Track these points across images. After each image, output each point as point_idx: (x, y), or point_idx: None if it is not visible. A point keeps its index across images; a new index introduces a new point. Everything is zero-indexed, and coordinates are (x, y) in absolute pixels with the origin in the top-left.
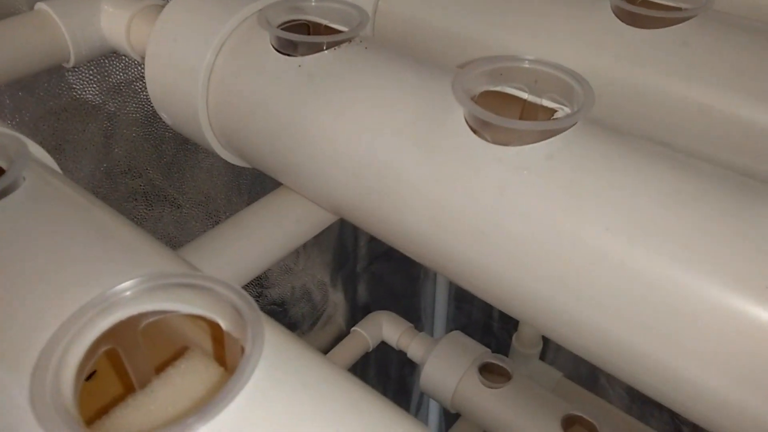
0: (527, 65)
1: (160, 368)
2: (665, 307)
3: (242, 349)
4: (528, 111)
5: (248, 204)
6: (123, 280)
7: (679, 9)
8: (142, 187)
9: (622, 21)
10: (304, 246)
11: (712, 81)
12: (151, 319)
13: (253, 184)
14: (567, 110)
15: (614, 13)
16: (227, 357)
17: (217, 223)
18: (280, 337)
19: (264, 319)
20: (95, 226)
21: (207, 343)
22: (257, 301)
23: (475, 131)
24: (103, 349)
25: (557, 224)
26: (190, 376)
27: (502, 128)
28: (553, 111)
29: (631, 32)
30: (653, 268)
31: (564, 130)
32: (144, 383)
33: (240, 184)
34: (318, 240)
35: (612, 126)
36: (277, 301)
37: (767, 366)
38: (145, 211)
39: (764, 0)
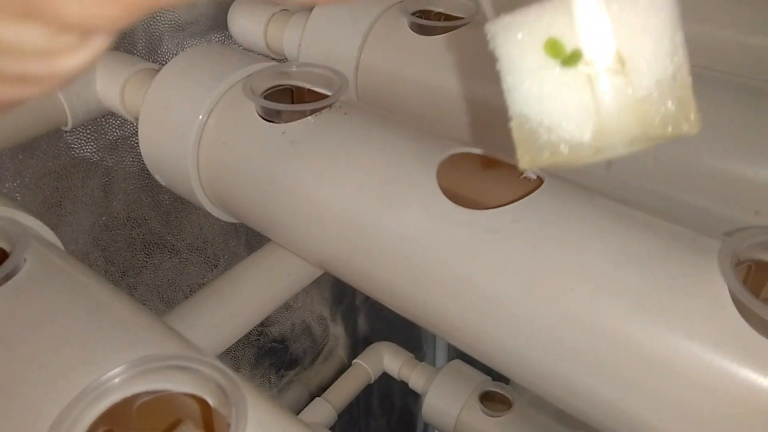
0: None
1: None
2: (626, 359)
3: (229, 426)
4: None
5: (246, 246)
6: (117, 364)
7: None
8: (141, 236)
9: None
10: None
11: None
12: (144, 399)
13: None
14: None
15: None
16: (216, 430)
17: (216, 267)
18: (266, 413)
19: (249, 395)
20: (92, 305)
21: (198, 416)
22: (258, 339)
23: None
24: (101, 431)
25: (526, 284)
26: None
27: None
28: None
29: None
30: (613, 324)
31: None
32: None
33: (237, 228)
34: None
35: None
36: (278, 338)
37: (721, 411)
38: (144, 259)
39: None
